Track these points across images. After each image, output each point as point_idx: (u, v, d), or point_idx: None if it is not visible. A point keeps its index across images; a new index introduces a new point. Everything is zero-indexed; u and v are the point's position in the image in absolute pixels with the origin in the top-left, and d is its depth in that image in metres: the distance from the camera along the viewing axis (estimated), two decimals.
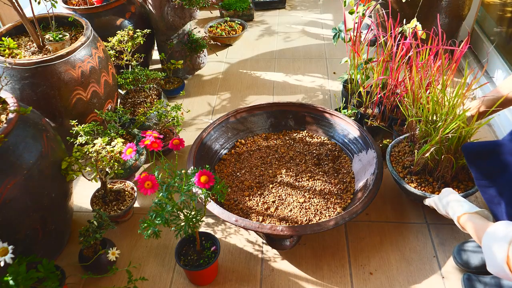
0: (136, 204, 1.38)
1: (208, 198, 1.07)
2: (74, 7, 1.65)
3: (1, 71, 1.21)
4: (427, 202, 1.13)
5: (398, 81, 1.39)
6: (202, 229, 1.28)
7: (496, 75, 1.70)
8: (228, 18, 2.37)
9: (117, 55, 1.62)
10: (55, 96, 1.27)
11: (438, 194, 1.18)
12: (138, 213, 1.36)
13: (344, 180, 1.34)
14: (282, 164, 1.41)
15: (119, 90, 1.70)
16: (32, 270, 0.90)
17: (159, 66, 2.06)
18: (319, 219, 1.21)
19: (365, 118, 1.52)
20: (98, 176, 1.20)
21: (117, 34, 1.58)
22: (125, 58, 1.62)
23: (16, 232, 0.98)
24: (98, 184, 1.28)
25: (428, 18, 1.73)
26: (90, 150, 1.14)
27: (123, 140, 1.17)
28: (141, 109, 1.58)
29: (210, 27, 2.31)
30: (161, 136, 0.97)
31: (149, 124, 1.47)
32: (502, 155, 0.90)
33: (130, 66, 1.65)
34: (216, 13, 2.61)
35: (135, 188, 1.32)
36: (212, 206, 1.12)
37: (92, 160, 1.15)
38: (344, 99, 1.66)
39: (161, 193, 0.92)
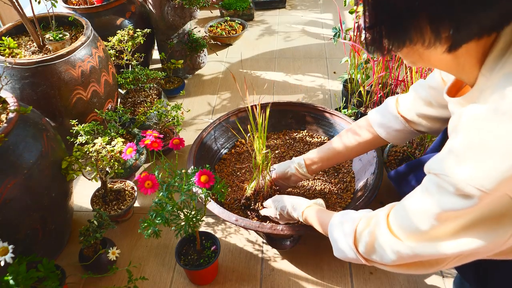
0: (136, 204, 1.38)
1: (208, 198, 1.07)
2: (74, 7, 1.65)
3: (1, 71, 1.21)
4: (266, 213, 1.14)
5: (398, 80, 1.39)
6: (202, 228, 1.28)
7: None
8: (228, 18, 2.37)
9: (117, 54, 1.62)
10: (55, 95, 1.27)
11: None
12: (138, 212, 1.36)
13: (344, 179, 1.34)
14: None
15: (119, 90, 1.70)
16: (32, 270, 0.90)
17: (159, 65, 2.06)
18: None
19: None
20: (98, 175, 1.20)
21: (117, 33, 1.58)
22: (125, 58, 1.62)
23: (16, 232, 0.98)
24: (98, 184, 1.28)
25: None
26: (90, 150, 1.14)
27: (123, 140, 1.17)
28: (141, 108, 1.58)
29: (210, 26, 2.31)
30: (161, 136, 0.97)
31: (149, 124, 1.47)
32: (414, 172, 0.97)
33: (130, 66, 1.65)
34: (216, 12, 2.61)
35: (135, 188, 1.32)
36: (212, 206, 1.12)
37: (92, 159, 1.15)
38: (344, 98, 1.65)
39: (161, 193, 0.92)
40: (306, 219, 0.98)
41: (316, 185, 1.32)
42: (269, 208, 1.13)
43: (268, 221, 1.18)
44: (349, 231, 0.78)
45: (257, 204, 1.19)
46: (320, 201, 1.03)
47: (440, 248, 0.61)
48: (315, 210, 0.97)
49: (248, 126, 1.09)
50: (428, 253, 0.62)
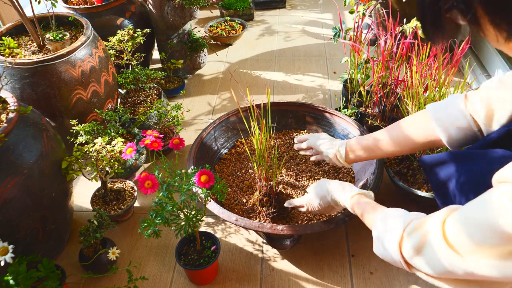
0: (137, 204, 1.38)
1: (208, 198, 1.07)
2: (74, 7, 1.65)
3: (1, 71, 1.21)
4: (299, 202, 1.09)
5: (398, 80, 1.39)
6: (202, 228, 1.28)
7: (496, 75, 1.70)
8: (228, 18, 2.37)
9: (117, 54, 1.62)
10: (55, 95, 1.27)
11: (423, 191, 1.19)
12: (138, 212, 1.36)
13: (344, 179, 1.34)
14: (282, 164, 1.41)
15: (119, 90, 1.70)
16: (32, 270, 0.90)
17: (159, 65, 2.06)
18: (319, 219, 1.21)
19: (366, 118, 1.52)
20: (98, 175, 1.20)
21: (117, 33, 1.58)
22: (125, 58, 1.62)
23: (16, 232, 0.98)
24: (98, 184, 1.28)
25: None
26: (90, 150, 1.14)
27: (123, 140, 1.17)
28: (141, 108, 1.58)
29: (210, 26, 2.31)
30: (161, 136, 0.97)
31: (149, 124, 1.47)
32: (458, 164, 0.86)
33: (130, 66, 1.65)
34: (216, 12, 2.61)
35: (135, 188, 1.32)
36: (212, 206, 1.12)
37: (92, 159, 1.15)
38: (344, 98, 1.65)
39: (161, 193, 0.92)
40: (353, 205, 0.91)
41: None
42: (304, 196, 1.08)
43: (268, 221, 1.18)
44: (396, 230, 0.71)
45: (269, 209, 1.19)
46: (371, 193, 0.95)
47: (506, 269, 0.52)
48: (365, 199, 0.90)
49: (251, 128, 1.09)
50: (489, 274, 0.54)
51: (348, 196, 0.93)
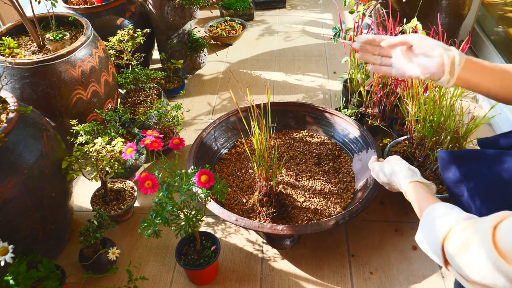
0: (137, 204, 1.38)
1: (208, 198, 1.07)
2: (74, 7, 1.65)
3: (1, 71, 1.21)
4: (374, 169, 1.04)
5: (398, 80, 1.39)
6: (202, 228, 1.28)
7: None
8: (228, 18, 2.37)
9: (117, 54, 1.62)
10: (55, 95, 1.27)
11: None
12: (138, 212, 1.36)
13: (345, 179, 1.34)
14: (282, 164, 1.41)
15: (119, 90, 1.70)
16: (32, 270, 0.90)
17: (159, 65, 2.06)
18: (319, 219, 1.21)
19: (366, 118, 1.52)
20: (98, 175, 1.20)
21: (117, 33, 1.58)
22: (125, 58, 1.62)
23: (16, 232, 0.98)
24: (98, 184, 1.28)
25: (428, 17, 1.73)
26: (90, 150, 1.14)
27: (123, 140, 1.17)
28: (141, 108, 1.58)
29: (210, 26, 2.31)
30: (161, 136, 0.97)
31: (149, 124, 1.47)
32: (476, 162, 0.84)
33: (130, 66, 1.65)
34: (216, 12, 2.61)
35: (135, 188, 1.32)
36: (212, 206, 1.12)
37: (92, 159, 1.15)
38: (344, 98, 1.65)
39: (161, 193, 0.92)
40: (407, 190, 0.87)
41: (316, 185, 1.32)
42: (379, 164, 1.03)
43: (268, 221, 1.18)
44: (445, 225, 0.67)
45: (269, 209, 1.19)
46: (433, 186, 0.89)
47: None
48: (421, 187, 0.85)
49: (251, 127, 1.09)
50: None
51: (406, 181, 0.88)
